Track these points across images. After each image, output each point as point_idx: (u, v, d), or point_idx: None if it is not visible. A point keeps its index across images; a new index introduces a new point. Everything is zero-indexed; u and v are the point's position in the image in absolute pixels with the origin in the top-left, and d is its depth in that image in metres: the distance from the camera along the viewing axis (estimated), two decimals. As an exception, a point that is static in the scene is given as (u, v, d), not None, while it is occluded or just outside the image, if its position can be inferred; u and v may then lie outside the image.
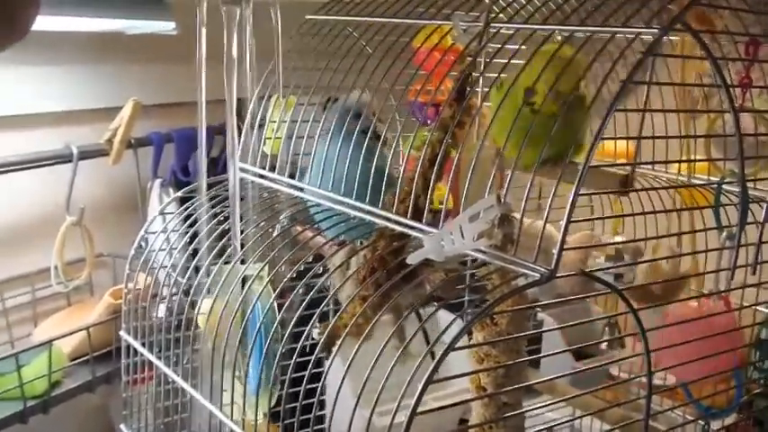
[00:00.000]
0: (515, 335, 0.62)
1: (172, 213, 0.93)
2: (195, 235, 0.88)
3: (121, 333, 0.88)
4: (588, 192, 0.64)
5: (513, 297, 0.60)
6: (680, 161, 0.89)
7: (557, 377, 0.87)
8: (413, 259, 0.60)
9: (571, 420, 0.86)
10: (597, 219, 0.92)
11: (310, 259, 0.83)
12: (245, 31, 0.89)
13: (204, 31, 0.89)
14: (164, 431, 0.87)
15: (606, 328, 1.22)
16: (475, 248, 0.60)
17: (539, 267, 0.57)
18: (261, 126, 0.90)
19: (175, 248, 0.88)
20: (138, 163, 1.26)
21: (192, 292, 0.84)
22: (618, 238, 1.07)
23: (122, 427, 0.91)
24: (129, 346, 0.88)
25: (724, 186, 0.89)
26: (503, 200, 0.60)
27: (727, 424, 0.83)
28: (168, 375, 0.82)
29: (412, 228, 0.67)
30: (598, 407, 0.89)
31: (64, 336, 1.07)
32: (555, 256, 0.56)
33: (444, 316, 0.78)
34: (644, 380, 0.64)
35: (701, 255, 0.89)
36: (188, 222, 0.89)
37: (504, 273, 0.59)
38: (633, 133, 0.93)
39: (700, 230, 0.81)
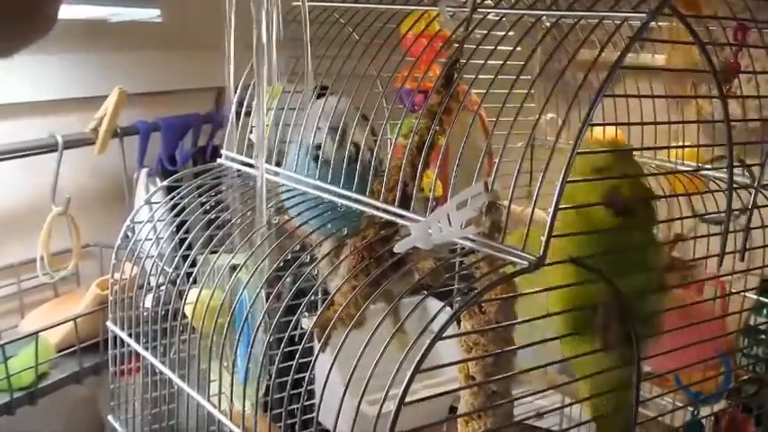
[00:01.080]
0: (504, 323, 0.62)
1: (158, 203, 0.92)
2: (182, 224, 0.87)
3: (108, 324, 0.88)
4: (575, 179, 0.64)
5: (502, 285, 0.60)
6: (668, 147, 0.88)
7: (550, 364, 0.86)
8: (400, 247, 0.60)
9: (561, 408, 0.86)
10: (587, 206, 0.91)
11: (297, 248, 0.83)
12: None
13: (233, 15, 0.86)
14: (152, 422, 0.87)
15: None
16: (462, 236, 0.60)
17: (527, 255, 0.56)
18: (247, 114, 0.89)
19: (162, 238, 0.87)
20: (125, 152, 1.24)
21: (179, 281, 0.83)
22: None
23: (110, 418, 0.90)
24: (116, 337, 0.87)
25: (712, 173, 0.90)
26: (490, 187, 0.60)
27: (716, 410, 0.83)
28: (156, 366, 0.82)
29: (400, 216, 0.67)
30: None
31: (51, 327, 1.06)
32: (543, 244, 0.56)
33: (433, 304, 0.78)
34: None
35: (690, 242, 0.89)
36: (174, 211, 0.88)
37: (492, 261, 0.59)
38: (621, 120, 0.94)
39: (689, 217, 0.81)
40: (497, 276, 0.57)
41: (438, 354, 0.55)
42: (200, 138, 1.35)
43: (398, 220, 0.67)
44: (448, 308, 0.56)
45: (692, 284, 0.82)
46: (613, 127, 1.03)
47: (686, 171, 0.88)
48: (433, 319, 0.56)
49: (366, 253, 0.71)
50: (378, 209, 0.69)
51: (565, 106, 0.75)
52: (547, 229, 0.56)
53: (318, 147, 0.76)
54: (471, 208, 0.59)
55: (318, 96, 0.83)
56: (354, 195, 0.72)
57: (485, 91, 0.69)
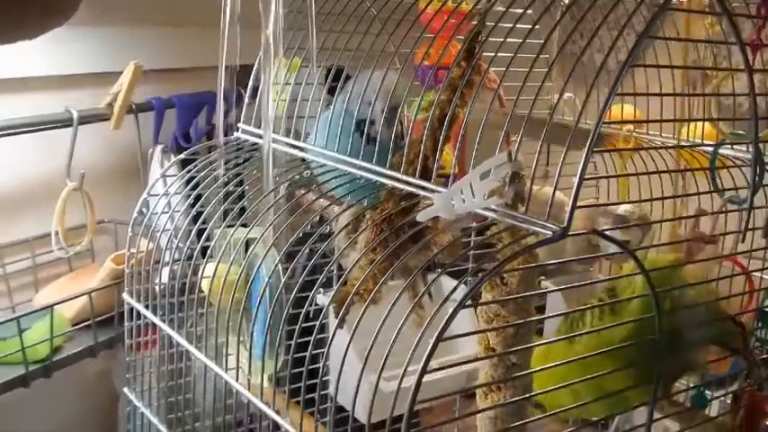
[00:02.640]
0: (525, 293, 0.62)
1: (173, 176, 0.92)
2: (197, 198, 0.87)
3: (124, 296, 0.88)
4: (599, 149, 0.63)
5: (524, 256, 0.59)
6: (688, 120, 0.87)
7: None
8: (423, 217, 0.60)
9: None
10: (606, 177, 0.91)
11: (313, 223, 0.82)
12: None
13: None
14: (167, 394, 0.87)
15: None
16: (485, 207, 0.60)
17: (551, 225, 0.56)
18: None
19: (178, 211, 0.87)
20: (139, 128, 1.24)
21: (195, 255, 0.83)
22: (622, 207, 1.07)
23: (126, 390, 0.90)
24: (132, 310, 0.87)
25: (725, 151, 0.89)
26: (514, 157, 0.59)
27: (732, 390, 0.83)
28: (172, 338, 0.82)
29: (421, 188, 0.67)
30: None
31: (66, 300, 1.06)
32: (567, 214, 0.56)
33: (448, 282, 0.78)
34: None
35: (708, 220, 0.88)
36: (190, 185, 0.88)
37: (514, 231, 0.59)
38: (639, 99, 0.93)
39: (704, 193, 0.80)
40: (521, 247, 0.56)
41: (453, 333, 0.54)
42: (215, 117, 1.34)
43: (420, 192, 0.66)
44: (470, 278, 0.56)
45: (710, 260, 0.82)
46: (631, 105, 1.03)
47: (708, 145, 0.87)
48: (454, 290, 0.56)
49: (385, 226, 0.71)
50: (398, 180, 0.69)
51: (582, 85, 0.75)
52: (571, 199, 0.56)
53: (372, 122, 0.75)
54: (494, 178, 0.59)
55: (335, 78, 0.83)
56: (376, 168, 0.71)
57: (504, 69, 0.69)
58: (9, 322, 1.00)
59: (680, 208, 0.99)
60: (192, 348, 0.77)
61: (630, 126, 1.01)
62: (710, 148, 0.88)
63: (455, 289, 0.57)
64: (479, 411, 0.63)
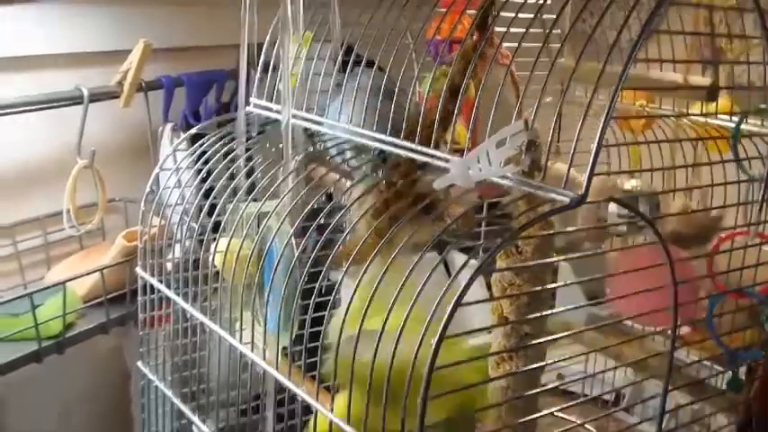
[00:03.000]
0: (540, 261, 0.62)
1: (184, 151, 0.92)
2: (209, 173, 0.87)
3: (137, 270, 0.88)
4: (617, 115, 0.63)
5: (540, 224, 0.59)
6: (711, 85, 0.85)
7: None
8: (439, 184, 0.60)
9: (584, 354, 0.86)
10: (620, 145, 0.90)
11: (325, 198, 0.82)
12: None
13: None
14: (181, 368, 0.87)
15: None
16: (501, 175, 0.60)
17: (568, 192, 0.56)
18: (275, 69, 0.89)
19: (189, 186, 0.87)
20: (149, 107, 1.24)
21: (207, 231, 0.83)
22: (634, 182, 1.07)
23: (139, 364, 0.91)
24: (145, 284, 0.87)
25: (746, 128, 0.88)
26: (530, 125, 0.59)
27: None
28: (186, 311, 0.82)
29: (436, 157, 0.66)
30: (615, 350, 0.89)
31: (78, 277, 1.07)
32: (585, 181, 0.56)
33: (460, 258, 0.77)
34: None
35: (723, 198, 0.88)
36: (202, 160, 0.87)
37: (530, 199, 0.59)
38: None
39: (717, 162, 0.79)
40: (536, 214, 0.56)
41: (463, 314, 0.54)
42: (224, 95, 1.35)
43: (433, 161, 0.66)
44: (484, 247, 0.56)
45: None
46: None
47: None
48: (468, 260, 0.56)
49: (393, 197, 0.71)
50: (412, 150, 0.69)
51: (594, 62, 0.74)
52: (589, 165, 0.56)
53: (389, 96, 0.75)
54: (511, 146, 0.59)
55: (346, 53, 0.83)
56: (389, 138, 0.71)
57: (516, 44, 0.68)
58: (22, 298, 1.01)
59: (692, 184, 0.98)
60: (206, 320, 0.78)
61: (643, 101, 1.01)
62: (729, 124, 0.88)
63: (469, 259, 0.57)
64: (491, 380, 0.63)
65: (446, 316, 0.51)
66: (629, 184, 1.06)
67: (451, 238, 0.63)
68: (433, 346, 0.51)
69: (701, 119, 0.96)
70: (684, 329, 0.85)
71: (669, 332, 0.65)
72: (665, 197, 0.97)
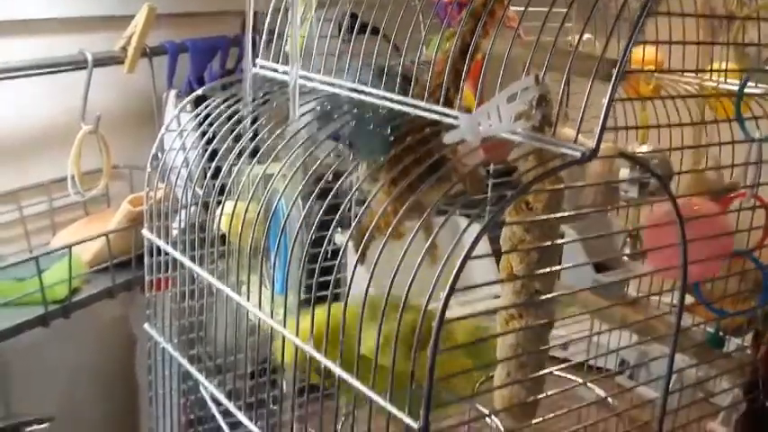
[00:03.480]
0: (551, 215, 0.61)
1: (189, 113, 0.91)
2: (213, 136, 0.86)
3: (144, 232, 0.88)
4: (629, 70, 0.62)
5: (550, 180, 0.59)
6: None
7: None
8: (449, 139, 0.59)
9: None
10: (631, 99, 0.89)
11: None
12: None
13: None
14: (188, 330, 0.87)
15: (628, 240, 1.21)
16: (512, 130, 0.59)
17: (579, 147, 0.56)
18: (280, 36, 0.88)
19: (195, 148, 0.86)
20: (154, 73, 1.23)
21: (213, 193, 0.83)
22: (644, 148, 1.06)
23: (146, 326, 0.91)
24: (151, 246, 0.87)
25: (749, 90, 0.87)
26: (541, 80, 0.58)
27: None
28: (193, 273, 0.82)
29: (445, 115, 0.66)
30: (621, 316, 0.89)
31: (84, 241, 1.07)
32: (596, 135, 0.55)
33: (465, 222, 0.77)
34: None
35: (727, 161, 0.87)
36: (207, 122, 0.87)
37: (541, 155, 0.58)
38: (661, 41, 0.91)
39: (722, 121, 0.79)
40: (546, 168, 0.56)
41: (470, 272, 0.54)
42: (229, 61, 1.34)
43: (443, 119, 0.66)
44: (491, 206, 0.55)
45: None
46: (653, 48, 1.01)
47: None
48: (475, 217, 0.55)
49: (405, 158, 0.70)
50: (421, 109, 0.68)
51: (602, 27, 0.73)
52: (601, 119, 0.55)
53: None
54: (521, 101, 0.58)
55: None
56: (397, 97, 0.71)
57: (523, 8, 0.68)
58: (28, 262, 1.01)
59: (702, 151, 0.98)
60: (213, 280, 0.77)
61: (651, 66, 1.00)
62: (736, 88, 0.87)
63: (478, 214, 0.56)
64: (501, 335, 0.63)
65: (456, 268, 0.51)
66: (639, 150, 1.05)
67: (458, 200, 0.63)
68: (443, 298, 0.51)
69: (710, 84, 0.96)
70: (689, 299, 0.86)
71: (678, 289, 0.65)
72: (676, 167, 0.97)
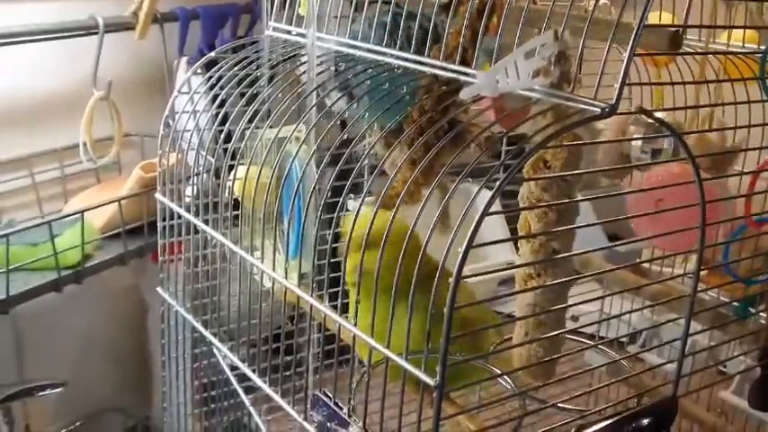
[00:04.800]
0: (569, 173, 0.61)
1: (200, 74, 0.90)
2: (225, 100, 0.85)
3: (157, 195, 0.87)
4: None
5: (568, 137, 0.58)
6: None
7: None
8: (466, 94, 0.58)
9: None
10: (650, 54, 0.88)
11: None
12: None
13: None
14: (202, 294, 0.87)
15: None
16: (530, 87, 0.58)
17: (599, 102, 0.55)
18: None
19: (207, 111, 0.86)
20: (165, 39, 1.22)
21: (226, 158, 0.82)
22: (659, 115, 1.05)
23: (159, 289, 0.91)
24: (164, 209, 0.87)
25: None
26: (560, 36, 0.58)
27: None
28: (206, 236, 0.82)
29: (462, 74, 0.65)
30: (635, 283, 0.89)
31: (97, 207, 1.07)
32: (616, 90, 0.54)
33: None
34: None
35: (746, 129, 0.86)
36: (218, 85, 0.86)
37: (559, 111, 0.58)
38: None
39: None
40: (563, 124, 0.55)
41: (482, 236, 0.54)
42: (240, 29, 1.33)
43: (461, 78, 0.65)
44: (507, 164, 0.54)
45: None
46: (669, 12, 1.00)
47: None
48: (501, 162, 0.55)
49: (425, 125, 0.69)
50: (439, 68, 0.67)
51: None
52: (621, 75, 0.54)
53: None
54: (540, 57, 0.57)
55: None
56: (414, 57, 0.70)
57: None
58: (40, 227, 1.01)
59: (717, 114, 0.97)
60: (227, 242, 0.77)
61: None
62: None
63: (495, 169, 0.56)
64: (518, 292, 0.63)
65: (473, 224, 0.50)
66: (654, 116, 1.04)
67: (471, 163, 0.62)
68: (461, 254, 0.51)
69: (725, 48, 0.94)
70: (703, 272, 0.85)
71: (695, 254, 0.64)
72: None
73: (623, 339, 1.30)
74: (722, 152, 0.85)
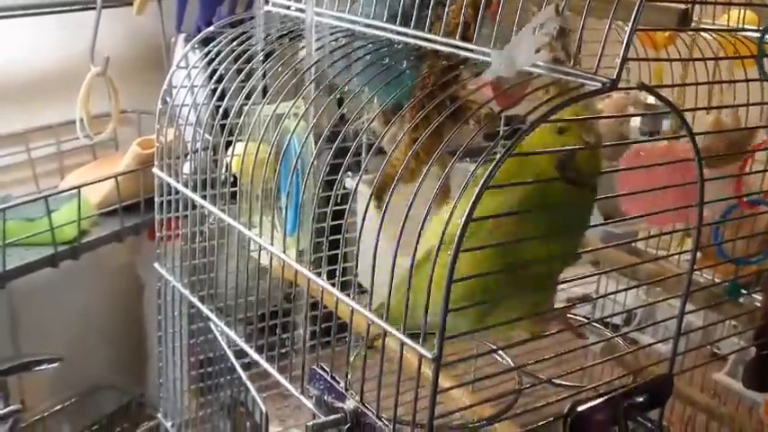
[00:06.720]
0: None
1: (198, 49, 0.90)
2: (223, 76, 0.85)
3: (155, 170, 0.87)
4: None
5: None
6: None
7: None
8: (488, 75, 0.58)
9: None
10: (651, 29, 0.88)
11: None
12: None
13: None
14: (200, 271, 0.87)
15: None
16: (533, 63, 0.58)
17: (600, 77, 0.55)
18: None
19: (204, 86, 0.85)
20: (163, 16, 1.22)
21: (224, 134, 0.82)
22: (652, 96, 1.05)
23: (156, 265, 0.91)
24: (162, 184, 0.87)
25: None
26: (561, 11, 0.57)
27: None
28: (203, 211, 0.82)
29: (464, 49, 0.65)
30: (629, 262, 0.89)
31: (93, 182, 1.06)
32: (617, 66, 0.54)
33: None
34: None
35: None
36: (216, 60, 0.85)
37: (561, 85, 0.57)
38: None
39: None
40: (564, 98, 0.55)
41: None
42: (238, 7, 1.32)
43: (464, 54, 0.65)
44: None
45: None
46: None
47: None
48: (499, 140, 0.55)
49: (426, 101, 0.69)
50: (441, 44, 0.67)
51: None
52: (622, 49, 0.54)
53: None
54: (543, 33, 0.57)
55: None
56: (414, 32, 0.70)
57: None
58: (37, 202, 1.01)
59: (718, 97, 0.97)
60: (225, 216, 0.77)
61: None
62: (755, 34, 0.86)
63: (496, 143, 0.55)
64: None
65: (476, 191, 0.50)
66: (652, 99, 1.04)
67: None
68: (462, 223, 0.51)
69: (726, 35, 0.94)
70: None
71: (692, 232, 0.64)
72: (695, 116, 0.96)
73: (618, 322, 1.31)
74: (734, 129, 0.85)
